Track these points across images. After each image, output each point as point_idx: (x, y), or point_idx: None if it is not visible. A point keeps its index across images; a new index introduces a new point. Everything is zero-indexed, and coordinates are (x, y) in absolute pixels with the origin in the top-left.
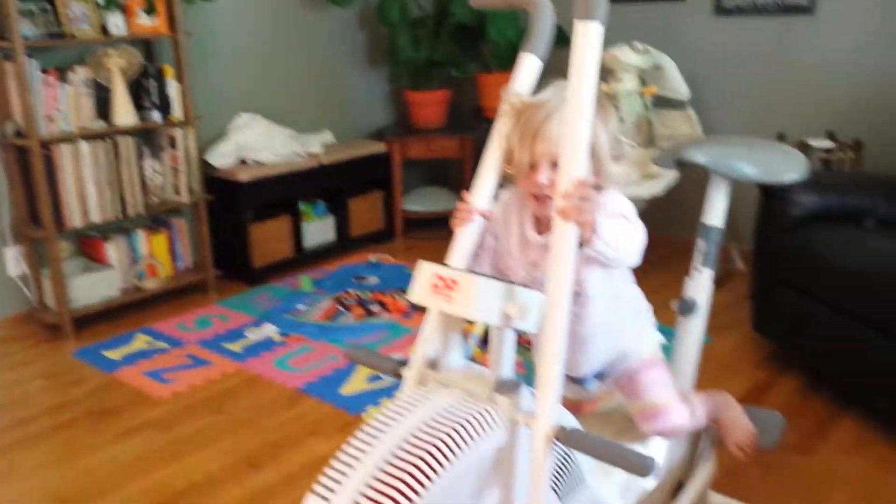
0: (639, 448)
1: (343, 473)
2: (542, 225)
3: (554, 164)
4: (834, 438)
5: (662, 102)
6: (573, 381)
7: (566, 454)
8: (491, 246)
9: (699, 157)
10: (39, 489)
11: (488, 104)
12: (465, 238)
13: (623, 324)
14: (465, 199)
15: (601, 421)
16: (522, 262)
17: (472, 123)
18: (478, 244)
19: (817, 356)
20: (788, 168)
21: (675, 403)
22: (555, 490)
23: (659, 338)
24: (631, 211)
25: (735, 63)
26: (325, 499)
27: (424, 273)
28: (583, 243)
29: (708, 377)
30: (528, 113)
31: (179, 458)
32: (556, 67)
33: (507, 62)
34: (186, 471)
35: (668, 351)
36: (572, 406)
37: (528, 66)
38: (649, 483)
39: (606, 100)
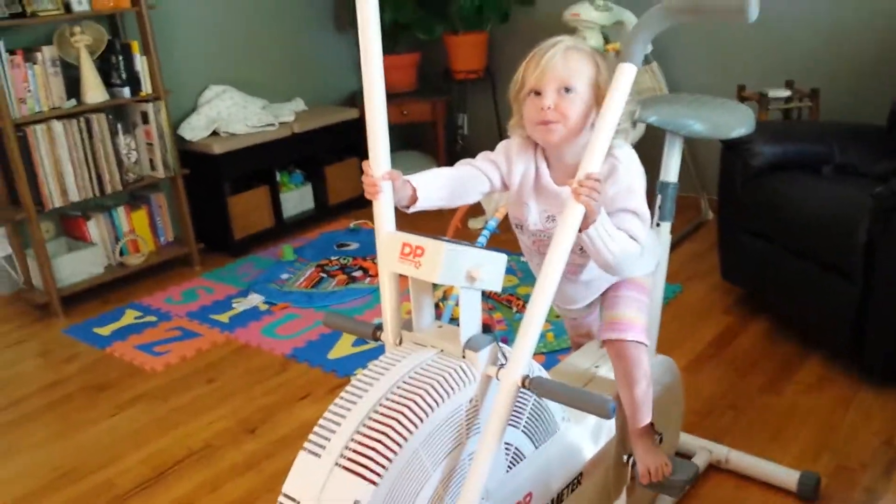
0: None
1: (331, 430)
2: (558, 169)
3: (560, 90)
4: (799, 378)
5: None
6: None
7: (539, 404)
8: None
9: (651, 116)
10: (41, 463)
11: (458, 66)
12: (382, 207)
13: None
14: (366, 170)
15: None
16: (537, 210)
17: (442, 86)
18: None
19: (782, 300)
20: (736, 123)
21: (639, 325)
22: (530, 437)
23: (651, 265)
24: (640, 193)
25: None
26: (315, 455)
27: (393, 241)
28: (581, 228)
29: (679, 325)
30: (541, 48)
31: (176, 427)
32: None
33: (473, 22)
34: (184, 439)
35: None
36: None
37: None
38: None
39: (608, 54)
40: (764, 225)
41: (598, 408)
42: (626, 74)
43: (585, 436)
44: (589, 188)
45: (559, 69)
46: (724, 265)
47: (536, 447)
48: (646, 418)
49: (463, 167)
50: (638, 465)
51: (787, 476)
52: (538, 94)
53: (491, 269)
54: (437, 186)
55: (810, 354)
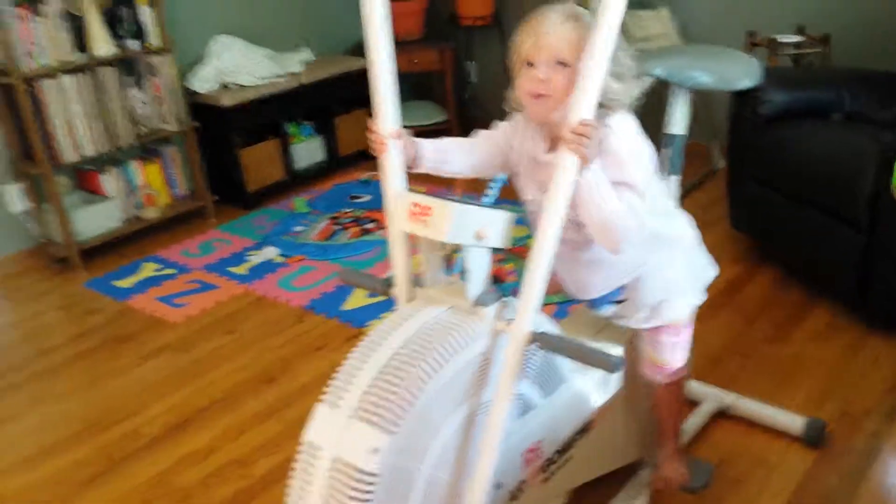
0: (613, 347)
1: (348, 383)
2: (552, 144)
3: (553, 64)
4: (806, 327)
5: (635, 3)
6: (588, 304)
7: (547, 356)
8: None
9: (656, 68)
10: (68, 413)
11: (464, 11)
12: (390, 164)
13: (636, 255)
14: (372, 128)
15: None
16: (532, 184)
17: (449, 33)
18: (405, 162)
19: (790, 249)
20: (742, 75)
21: (674, 366)
22: (539, 387)
23: (696, 300)
24: (638, 157)
25: None
26: (335, 406)
27: (402, 201)
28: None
29: None
30: (535, 18)
31: (198, 377)
32: None
33: None
34: (206, 389)
35: None
36: None
37: None
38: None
39: None
40: (772, 173)
41: (604, 363)
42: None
43: (592, 386)
44: (579, 135)
45: (553, 41)
46: (734, 214)
47: (545, 397)
48: (673, 431)
49: (475, 137)
50: (659, 473)
51: (793, 422)
52: (531, 64)
53: (498, 227)
54: (441, 149)
55: (818, 302)
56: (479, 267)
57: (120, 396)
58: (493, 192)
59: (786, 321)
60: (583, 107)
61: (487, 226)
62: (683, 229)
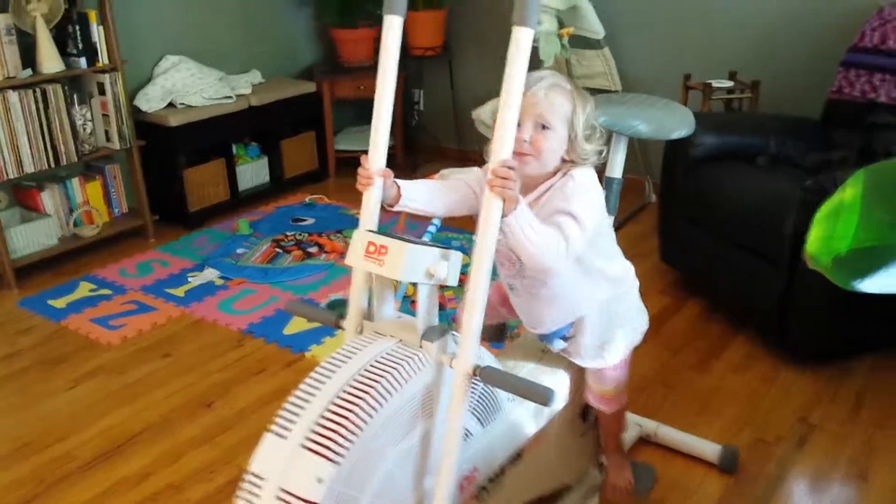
0: (547, 378)
1: (296, 414)
2: (523, 188)
3: (537, 126)
4: (727, 357)
5: (579, 42)
6: (539, 337)
7: (487, 388)
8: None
9: (600, 117)
10: (0, 434)
11: (415, 42)
12: (370, 200)
13: (586, 289)
14: (363, 163)
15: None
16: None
17: (399, 62)
18: (384, 199)
19: (714, 283)
20: (678, 125)
21: (617, 397)
22: (478, 418)
23: (636, 338)
24: (590, 201)
25: (647, 3)
26: (280, 437)
27: (359, 240)
28: (504, 214)
29: None
30: (526, 81)
31: (134, 400)
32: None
33: (431, 1)
34: (142, 412)
35: None
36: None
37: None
38: (556, 407)
39: (585, 92)
40: (700, 212)
41: (540, 397)
42: (524, 38)
43: (527, 415)
44: (502, 178)
45: (541, 106)
46: (663, 248)
47: (483, 426)
48: (618, 443)
49: (450, 180)
50: (608, 482)
51: (710, 449)
52: (517, 125)
53: (448, 266)
54: (419, 191)
55: (739, 335)
56: (428, 303)
57: (52, 419)
58: (433, 228)
59: (708, 352)
60: (502, 149)
61: (439, 265)
62: (626, 272)
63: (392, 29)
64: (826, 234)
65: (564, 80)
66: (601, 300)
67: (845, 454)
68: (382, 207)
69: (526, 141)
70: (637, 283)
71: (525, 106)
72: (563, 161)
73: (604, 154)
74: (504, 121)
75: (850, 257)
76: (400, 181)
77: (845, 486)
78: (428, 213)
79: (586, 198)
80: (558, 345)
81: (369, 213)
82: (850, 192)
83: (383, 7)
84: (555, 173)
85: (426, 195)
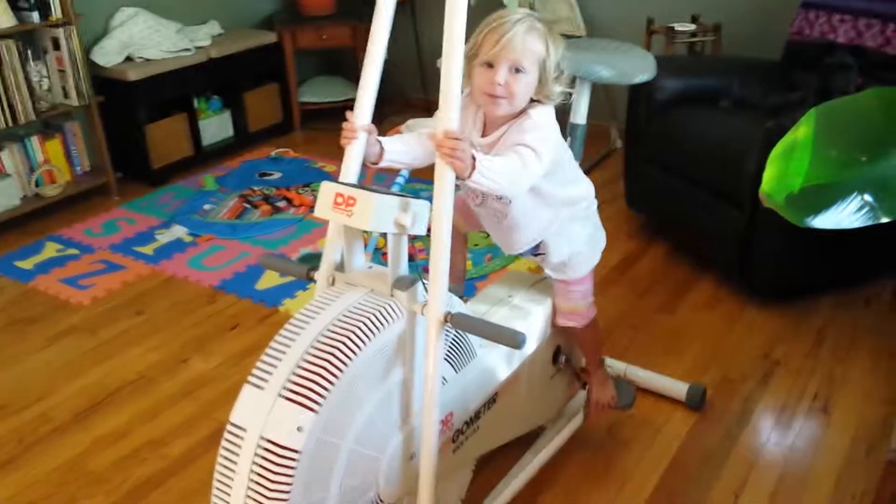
0: (518, 322)
1: (273, 365)
2: (488, 126)
3: (511, 69)
4: (692, 298)
5: None
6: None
7: (459, 334)
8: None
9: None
10: None
11: None
12: (352, 156)
13: (546, 215)
14: (349, 118)
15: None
16: None
17: (361, 9)
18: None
19: (679, 226)
20: (640, 70)
21: (587, 311)
22: (451, 364)
23: (595, 259)
24: (545, 135)
25: None
26: (259, 388)
27: (326, 191)
28: (460, 178)
29: None
30: (500, 19)
31: (108, 358)
32: None
33: None
34: (118, 370)
35: None
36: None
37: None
38: (527, 350)
39: (557, 33)
40: (664, 155)
41: (510, 340)
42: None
43: (500, 360)
44: (449, 148)
45: (517, 49)
46: (629, 193)
47: (457, 372)
48: (597, 360)
49: (420, 133)
50: (591, 399)
51: (677, 388)
52: (490, 66)
53: (417, 216)
54: (401, 148)
55: (703, 276)
56: (397, 253)
57: (27, 380)
58: (401, 180)
59: (674, 294)
60: (447, 119)
61: (407, 215)
62: (587, 192)
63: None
64: (780, 173)
65: (538, 20)
66: (562, 220)
67: (808, 389)
68: (364, 164)
69: (500, 84)
70: (596, 201)
71: (501, 48)
72: (531, 100)
73: (570, 95)
74: (448, 86)
75: (802, 195)
76: (382, 138)
77: (808, 420)
78: (406, 165)
79: (540, 133)
80: (531, 257)
81: (350, 168)
82: (802, 131)
83: None
84: (520, 112)
85: (406, 150)
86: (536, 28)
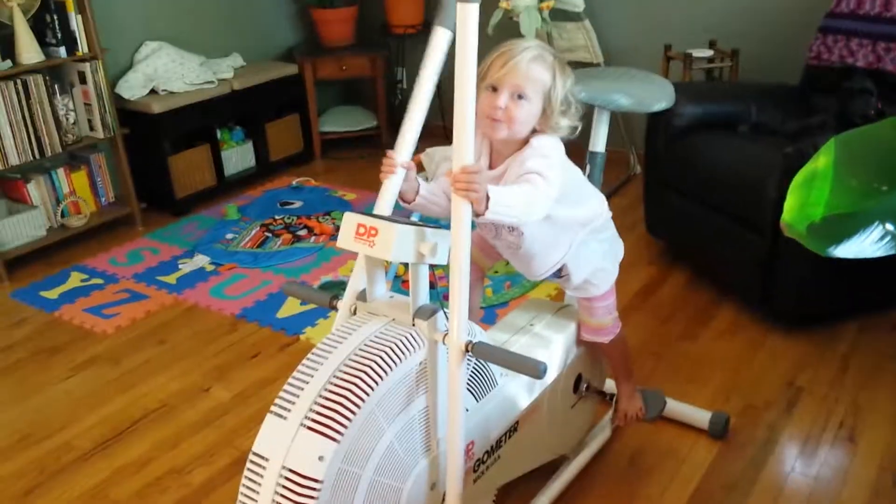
0: (539, 351)
1: (295, 395)
2: (494, 158)
3: (514, 95)
4: (714, 325)
5: (559, 15)
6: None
7: (480, 363)
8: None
9: (581, 92)
10: (0, 427)
11: (395, 20)
12: (388, 189)
13: (560, 240)
14: (389, 154)
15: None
16: None
17: (380, 40)
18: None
19: (699, 251)
20: (659, 98)
21: (612, 326)
22: (472, 393)
23: (614, 274)
24: (550, 162)
25: None
26: (281, 417)
27: (349, 222)
28: (477, 214)
29: None
30: (511, 45)
31: (131, 387)
32: None
33: None
34: (140, 399)
35: None
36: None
37: (441, 40)
38: (548, 379)
39: (566, 64)
40: (684, 181)
41: (531, 370)
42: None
43: (521, 389)
44: (465, 182)
45: (520, 76)
46: (649, 219)
47: (478, 400)
48: (627, 371)
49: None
50: (618, 410)
51: (700, 416)
52: (495, 90)
53: (438, 245)
54: (433, 191)
55: (724, 302)
56: (420, 282)
57: (51, 409)
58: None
59: (695, 321)
60: (462, 154)
61: (428, 244)
62: (600, 208)
63: (438, 40)
64: (801, 202)
65: (549, 52)
66: (579, 242)
67: (833, 417)
68: (400, 199)
69: (500, 108)
70: (610, 212)
71: (505, 73)
72: (535, 131)
73: (577, 130)
74: (462, 123)
75: (824, 224)
76: (421, 180)
77: (834, 449)
78: (435, 214)
79: (544, 159)
80: (555, 280)
81: (386, 200)
82: (822, 160)
83: (435, 18)
84: (525, 142)
85: (437, 196)
86: (543, 58)
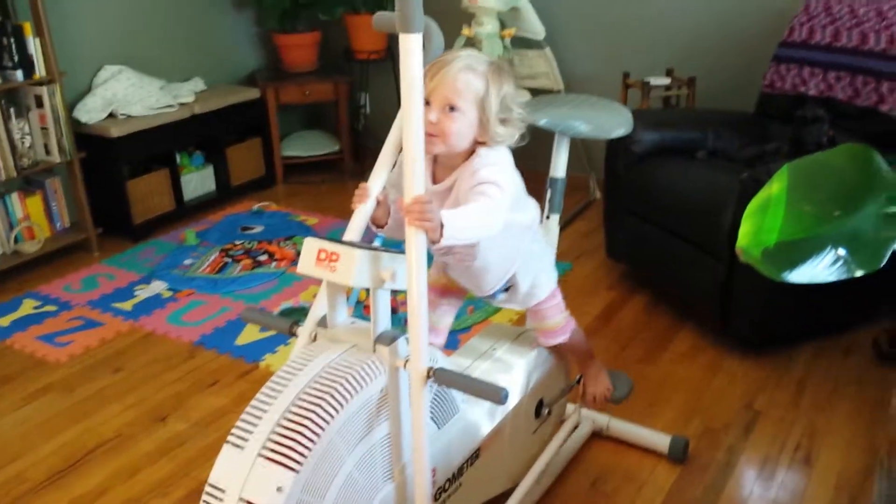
0: (501, 376)
1: (253, 424)
2: (438, 173)
3: (445, 108)
4: (673, 349)
5: (521, 43)
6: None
7: (441, 390)
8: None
9: (541, 119)
10: None
11: (358, 46)
12: (359, 216)
13: (512, 247)
14: (362, 186)
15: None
16: None
17: (343, 66)
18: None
19: (658, 276)
20: (617, 125)
21: (566, 323)
22: (434, 420)
23: (554, 276)
24: (501, 168)
25: (586, 4)
26: (238, 447)
27: (310, 247)
28: (433, 242)
29: (568, 302)
30: (441, 57)
31: (86, 417)
32: None
33: (374, 4)
34: (95, 428)
35: None
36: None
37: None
38: (510, 405)
39: (506, 66)
40: (643, 207)
41: (493, 395)
42: (411, 44)
43: (483, 415)
44: (417, 213)
45: (448, 87)
46: (609, 244)
47: (439, 427)
48: (588, 354)
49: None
50: (587, 392)
51: (660, 440)
52: (428, 104)
53: (399, 270)
54: (399, 220)
55: (684, 326)
56: (380, 308)
57: (2, 440)
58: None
59: (655, 344)
60: (412, 185)
61: (390, 270)
62: (535, 213)
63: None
64: (755, 228)
65: (481, 60)
66: (524, 250)
67: (790, 439)
68: (370, 225)
69: (432, 122)
70: (538, 216)
71: (435, 86)
72: (477, 143)
73: (523, 138)
74: (410, 153)
75: (777, 249)
76: (392, 208)
77: (791, 471)
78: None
79: (494, 168)
80: (500, 297)
81: (355, 226)
82: (776, 186)
83: (397, 26)
84: (470, 154)
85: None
86: (473, 67)
